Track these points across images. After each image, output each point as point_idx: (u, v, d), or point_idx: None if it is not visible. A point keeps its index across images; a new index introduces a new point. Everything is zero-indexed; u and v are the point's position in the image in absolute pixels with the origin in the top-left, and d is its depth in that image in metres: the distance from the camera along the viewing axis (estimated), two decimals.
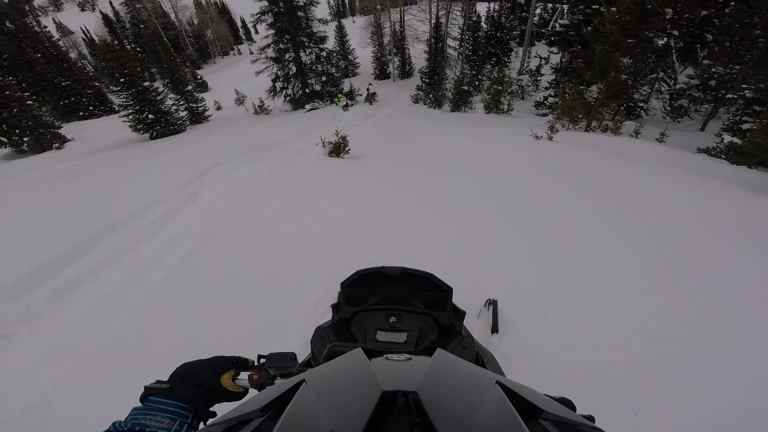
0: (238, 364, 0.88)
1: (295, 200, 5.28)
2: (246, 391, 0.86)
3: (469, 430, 0.34)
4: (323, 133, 12.75)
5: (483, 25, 25.56)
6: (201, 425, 0.75)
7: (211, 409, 0.79)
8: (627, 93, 11.69)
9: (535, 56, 21.40)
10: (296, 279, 3.53)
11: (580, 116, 10.74)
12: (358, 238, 4.23)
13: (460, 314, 1.24)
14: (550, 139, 7.93)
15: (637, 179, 5.50)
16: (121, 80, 17.61)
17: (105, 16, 39.25)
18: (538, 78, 21.77)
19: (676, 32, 14.98)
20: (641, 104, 14.72)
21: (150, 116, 18.25)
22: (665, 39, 15.46)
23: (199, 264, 3.91)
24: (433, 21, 23.53)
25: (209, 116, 21.32)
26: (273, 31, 19.19)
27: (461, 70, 24.54)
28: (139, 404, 0.72)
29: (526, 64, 21.81)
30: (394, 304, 1.20)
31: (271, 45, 19.58)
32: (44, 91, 30.46)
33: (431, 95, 17.49)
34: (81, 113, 31.77)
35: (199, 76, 32.14)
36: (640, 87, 11.89)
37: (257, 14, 18.96)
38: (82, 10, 48.57)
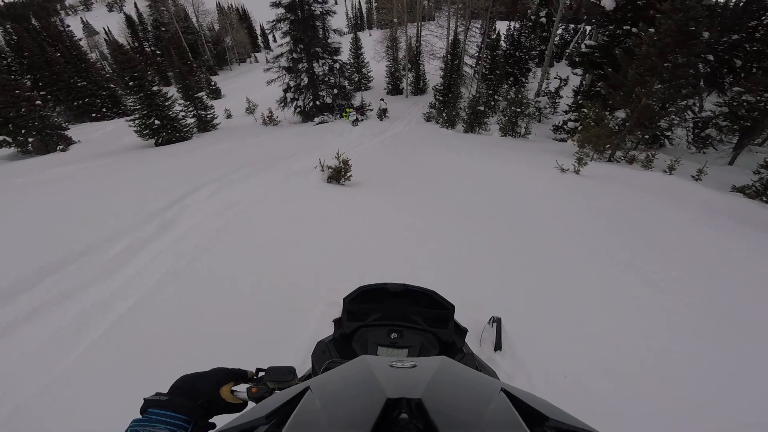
0: (238, 376, 0.88)
1: (279, 241, 4.51)
2: (245, 404, 0.86)
3: None
4: (331, 148, 12.09)
5: (502, 43, 25.00)
6: None
7: (210, 420, 0.79)
8: (656, 121, 10.81)
9: (555, 77, 20.65)
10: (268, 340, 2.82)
11: (607, 146, 9.89)
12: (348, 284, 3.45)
13: (462, 332, 1.22)
14: (577, 172, 7.10)
15: (684, 234, 4.64)
16: (130, 83, 17.32)
17: (128, 18, 39.76)
18: (557, 100, 21.01)
19: (711, 56, 14.11)
20: (667, 133, 13.79)
21: (156, 122, 17.88)
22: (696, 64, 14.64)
23: (148, 320, 3.16)
24: (451, 37, 23.02)
25: (217, 124, 20.93)
26: (287, 39, 18.80)
27: (477, 90, 23.95)
28: (139, 416, 0.71)
29: (545, 86, 21.05)
30: (395, 321, 1.18)
31: (285, 54, 19.18)
32: (59, 91, 30.64)
33: (444, 114, 16.80)
34: (94, 114, 31.86)
35: (213, 83, 32.04)
36: (671, 115, 11.00)
37: (273, 21, 18.61)
38: (110, 10, 49.51)
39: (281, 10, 17.86)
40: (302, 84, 19.18)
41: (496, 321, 2.89)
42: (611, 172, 7.61)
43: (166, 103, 18.09)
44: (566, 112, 16.73)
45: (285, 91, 20.01)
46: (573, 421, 0.42)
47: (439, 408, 0.37)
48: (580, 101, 15.24)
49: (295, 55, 18.79)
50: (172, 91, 36.13)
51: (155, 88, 17.81)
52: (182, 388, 0.79)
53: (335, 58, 19.59)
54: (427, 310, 1.19)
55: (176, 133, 18.45)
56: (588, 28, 34.99)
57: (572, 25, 35.63)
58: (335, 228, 4.85)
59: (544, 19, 30.85)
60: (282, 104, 20.34)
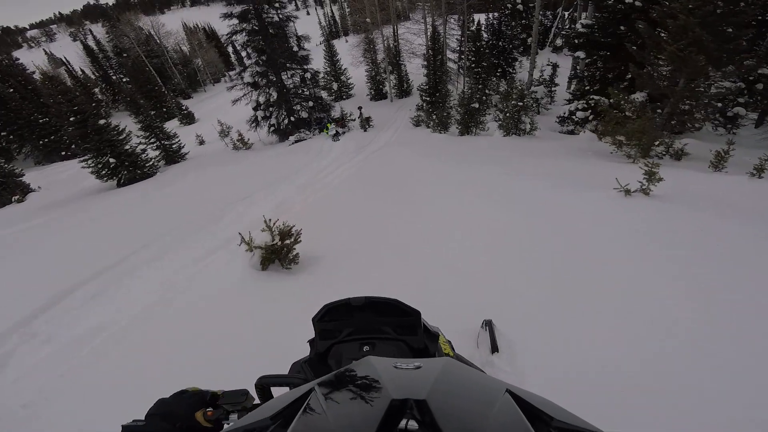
0: (206, 401, 0.86)
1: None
2: (219, 426, 0.85)
3: None
4: (303, 177, 9.73)
5: (483, 34, 22.77)
6: None
7: None
8: (697, 104, 8.60)
9: (547, 64, 18.47)
10: None
11: (656, 143, 7.62)
12: None
13: (433, 335, 1.20)
14: (646, 193, 4.81)
15: None
16: (71, 119, 14.84)
17: (86, 47, 36.72)
18: (553, 89, 18.83)
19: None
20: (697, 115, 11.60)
21: (111, 160, 15.38)
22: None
23: None
24: (429, 31, 20.71)
25: (186, 154, 18.44)
26: (249, 52, 16.40)
27: (464, 85, 21.67)
28: None
29: (540, 74, 18.85)
30: (367, 334, 1.17)
31: (248, 69, 16.77)
32: (21, 130, 27.88)
33: (434, 116, 14.48)
34: (63, 152, 29.06)
35: (184, 107, 29.37)
36: (708, 96, 8.79)
37: (228, 34, 16.17)
38: (75, 40, 46.51)
39: (234, 21, 15.41)
40: (272, 99, 16.76)
41: (488, 323, 2.76)
42: (686, 186, 5.33)
43: (120, 138, 15.60)
44: (569, 100, 14.49)
45: (255, 109, 17.59)
46: (578, 421, 0.40)
47: (443, 409, 0.36)
48: (586, 88, 13.02)
49: (258, 68, 16.36)
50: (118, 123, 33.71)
51: (102, 121, 15.27)
52: (159, 414, 0.77)
53: (305, 67, 17.18)
54: (395, 319, 1.16)
55: (137, 170, 15.96)
56: (566, 13, 33.05)
57: (549, 12, 33.60)
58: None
59: (521, 6, 28.73)
60: (253, 124, 17.92)
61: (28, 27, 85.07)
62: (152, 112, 31.53)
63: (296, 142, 16.16)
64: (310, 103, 17.38)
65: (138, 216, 7.73)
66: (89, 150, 15.19)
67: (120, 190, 14.60)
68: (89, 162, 15.44)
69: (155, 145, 17.72)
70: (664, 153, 8.15)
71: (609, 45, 12.02)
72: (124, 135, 15.81)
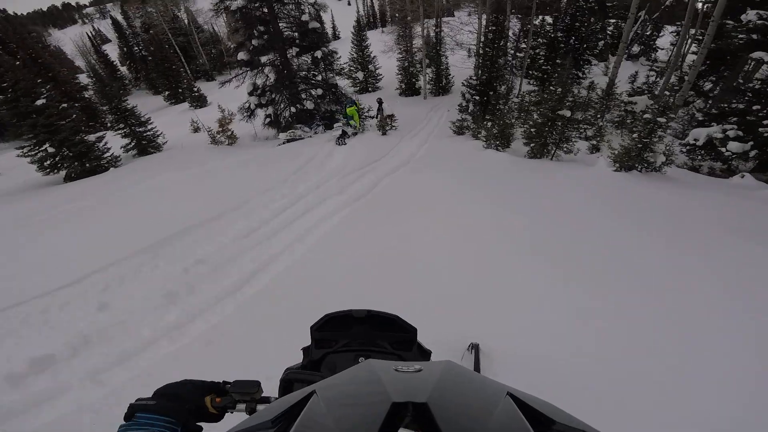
0: (215, 387, 0.83)
1: None
2: (222, 414, 0.82)
3: None
4: (237, 224, 4.81)
5: (550, 30, 17.08)
6: None
7: (198, 423, 0.75)
8: None
9: (651, 69, 12.74)
10: None
11: None
12: None
13: (426, 354, 1.17)
14: None
15: None
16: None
17: (115, 22, 33.47)
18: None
19: None
20: None
21: (50, 149, 11.17)
22: None
23: None
24: (485, 18, 15.19)
25: (163, 144, 14.03)
26: (240, 24, 11.68)
27: (519, 88, 16.13)
28: (124, 422, 0.66)
29: (645, 81, 13.07)
30: (362, 346, 1.10)
31: (243, 45, 12.12)
32: None
33: (490, 124, 9.21)
34: None
35: (196, 89, 25.19)
36: None
37: (217, 1, 11.46)
38: (126, 18, 44.36)
39: None
40: (269, 83, 11.99)
41: (474, 347, 2.53)
42: None
43: (60, 123, 11.32)
44: (702, 121, 8.86)
45: (250, 94, 12.91)
46: (580, 424, 0.38)
47: (444, 412, 0.35)
48: (742, 106, 7.39)
49: (255, 42, 11.59)
50: (159, 100, 29.38)
51: (40, 102, 10.97)
52: (167, 394, 0.73)
53: (320, 44, 12.22)
54: (392, 334, 1.12)
55: (87, 164, 11.66)
56: (648, 16, 26.20)
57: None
58: None
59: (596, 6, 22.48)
60: (247, 114, 13.25)
61: (87, 3, 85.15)
62: (166, 92, 28.26)
63: (287, 141, 11.32)
64: (319, 91, 12.44)
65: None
66: (27, 137, 11.08)
67: (65, 186, 10.40)
68: (25, 150, 11.32)
69: (124, 132, 13.37)
70: None
71: None
72: (68, 120, 11.48)
